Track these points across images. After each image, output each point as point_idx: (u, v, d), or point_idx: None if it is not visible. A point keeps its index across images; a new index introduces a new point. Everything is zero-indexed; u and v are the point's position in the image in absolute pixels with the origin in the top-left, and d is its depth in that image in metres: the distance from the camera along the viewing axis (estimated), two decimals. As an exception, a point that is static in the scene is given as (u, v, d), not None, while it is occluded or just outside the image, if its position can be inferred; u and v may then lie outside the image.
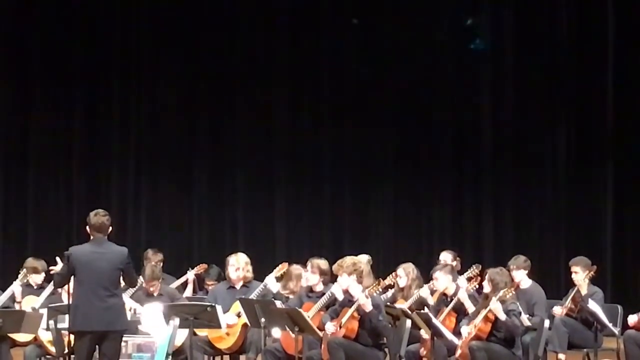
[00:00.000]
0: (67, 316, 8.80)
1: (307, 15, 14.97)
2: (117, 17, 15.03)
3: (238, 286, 10.33)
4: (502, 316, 9.07)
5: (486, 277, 9.48)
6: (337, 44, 14.97)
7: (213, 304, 9.61)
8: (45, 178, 14.87)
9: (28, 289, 10.70)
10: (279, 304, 9.62)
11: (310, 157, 15.01)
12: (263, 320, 9.29)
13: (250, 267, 10.43)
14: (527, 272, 10.47)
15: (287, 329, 9.18)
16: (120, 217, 13.93)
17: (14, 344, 10.11)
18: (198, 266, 12.22)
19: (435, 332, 9.08)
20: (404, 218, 14.81)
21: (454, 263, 11.31)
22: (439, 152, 14.87)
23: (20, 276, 10.54)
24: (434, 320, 9.09)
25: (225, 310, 9.88)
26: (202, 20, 14.97)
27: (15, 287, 10.47)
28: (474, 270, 10.60)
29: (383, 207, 14.90)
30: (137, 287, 9.88)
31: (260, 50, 15.05)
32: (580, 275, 10.33)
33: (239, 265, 10.36)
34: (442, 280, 9.83)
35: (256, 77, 14.98)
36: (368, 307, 9.13)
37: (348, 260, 9.55)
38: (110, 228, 8.55)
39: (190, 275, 12.10)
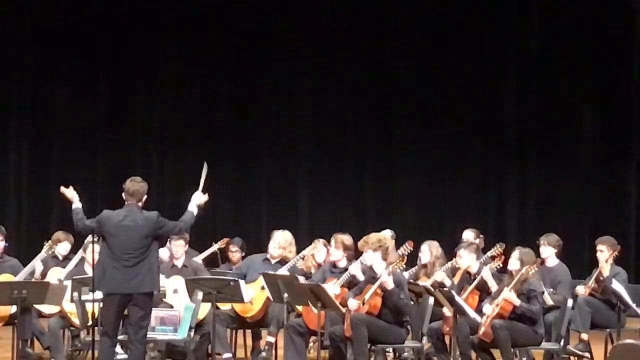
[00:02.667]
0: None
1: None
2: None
3: (274, 261, 10.31)
4: (517, 302, 9.05)
5: (513, 255, 9.43)
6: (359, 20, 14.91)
7: (236, 279, 9.62)
8: (69, 155, 14.90)
9: (54, 260, 10.75)
10: (302, 279, 9.63)
11: (334, 131, 14.99)
12: (286, 295, 9.30)
13: (293, 249, 10.43)
14: (556, 251, 10.42)
15: (310, 305, 9.20)
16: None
17: (40, 315, 10.18)
18: (221, 241, 12.28)
19: (458, 310, 9.06)
20: (427, 195, 14.79)
21: (477, 241, 11.27)
22: (464, 129, 14.82)
23: (45, 248, 10.58)
24: (456, 298, 9.07)
25: (256, 278, 9.96)
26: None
27: (37, 263, 10.49)
28: (497, 248, 10.57)
29: (407, 183, 14.87)
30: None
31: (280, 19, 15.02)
32: (605, 254, 10.28)
33: (284, 244, 10.33)
34: (466, 258, 9.80)
35: (277, 50, 14.91)
36: (390, 285, 9.12)
37: (373, 236, 9.53)
38: (145, 196, 8.61)
39: (214, 248, 12.16)
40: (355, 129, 15.09)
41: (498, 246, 10.63)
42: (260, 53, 14.99)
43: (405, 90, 14.92)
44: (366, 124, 15.04)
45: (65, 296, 9.52)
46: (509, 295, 9.07)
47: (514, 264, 9.35)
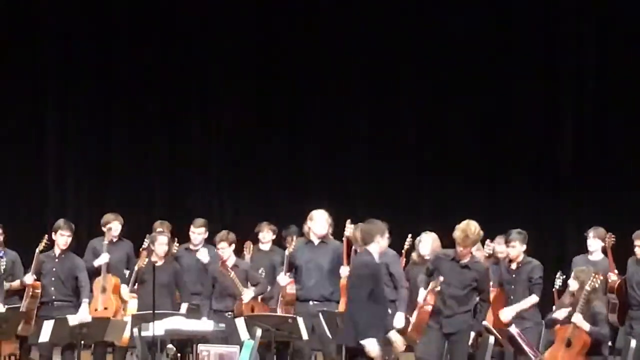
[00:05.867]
0: (151, 324, 8.96)
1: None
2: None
3: (316, 242, 10.20)
4: (587, 327, 8.96)
5: (572, 275, 9.34)
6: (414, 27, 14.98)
7: (294, 316, 9.63)
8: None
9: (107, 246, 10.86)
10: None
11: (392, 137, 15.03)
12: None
13: (331, 222, 10.23)
14: (603, 245, 10.35)
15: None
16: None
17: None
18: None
19: (518, 350, 9.03)
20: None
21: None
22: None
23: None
24: (518, 338, 9.03)
25: (306, 261, 9.97)
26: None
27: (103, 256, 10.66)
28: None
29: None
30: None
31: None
32: None
33: (323, 223, 10.13)
34: (518, 248, 10.02)
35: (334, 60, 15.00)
36: None
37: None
38: None
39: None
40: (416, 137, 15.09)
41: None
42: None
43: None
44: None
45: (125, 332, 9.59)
46: (578, 319, 8.96)
47: (573, 284, 9.25)
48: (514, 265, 10.04)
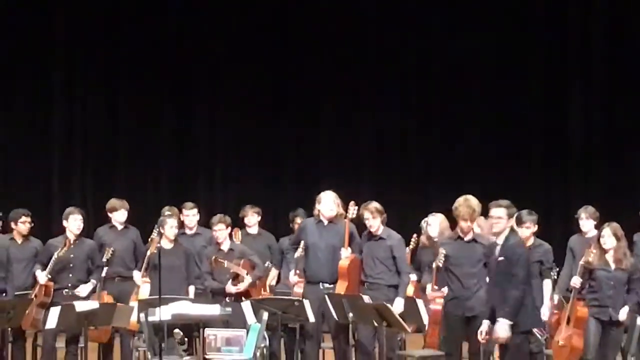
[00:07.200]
0: (157, 309, 8.97)
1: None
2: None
3: (326, 222, 10.20)
4: None
5: (605, 232, 9.44)
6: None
7: (300, 299, 9.64)
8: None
9: (113, 230, 10.75)
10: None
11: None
12: (351, 315, 9.29)
13: (340, 202, 10.23)
14: (595, 224, 10.26)
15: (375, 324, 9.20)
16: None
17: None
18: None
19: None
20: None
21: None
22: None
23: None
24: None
25: (315, 242, 10.02)
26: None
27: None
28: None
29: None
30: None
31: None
32: None
33: (331, 204, 10.15)
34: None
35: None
36: None
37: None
38: None
39: None
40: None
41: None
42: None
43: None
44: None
45: (132, 316, 9.59)
46: None
47: (609, 241, 9.24)
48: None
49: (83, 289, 10.21)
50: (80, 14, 14.85)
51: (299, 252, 10.23)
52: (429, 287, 9.64)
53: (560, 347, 9.44)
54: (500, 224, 8.33)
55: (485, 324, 8.29)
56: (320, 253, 10.04)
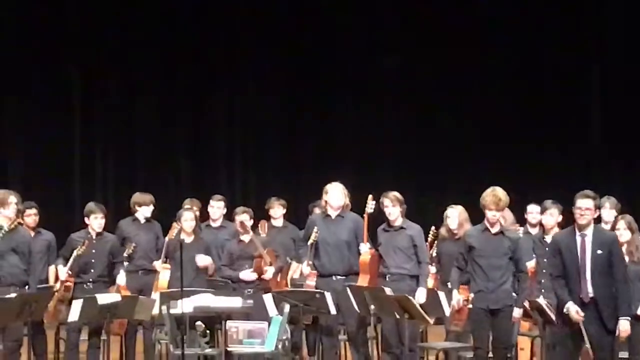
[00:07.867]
0: (179, 301, 8.99)
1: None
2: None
3: (334, 215, 10.22)
4: None
5: (619, 225, 9.27)
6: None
7: (322, 291, 9.64)
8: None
9: (135, 223, 10.75)
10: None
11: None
12: (372, 307, 9.28)
13: (347, 193, 10.26)
14: (617, 215, 10.07)
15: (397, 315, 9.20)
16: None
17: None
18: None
19: (546, 320, 9.01)
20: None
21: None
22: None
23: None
24: (546, 309, 9.00)
25: (324, 236, 10.01)
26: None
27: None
28: None
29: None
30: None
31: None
32: None
33: (339, 195, 10.18)
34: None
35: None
36: None
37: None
38: None
39: None
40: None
41: None
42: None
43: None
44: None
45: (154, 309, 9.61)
46: None
47: (624, 234, 9.15)
48: (548, 238, 9.89)
49: (120, 278, 10.25)
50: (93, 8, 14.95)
51: (312, 239, 10.15)
52: (454, 297, 9.32)
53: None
54: (587, 216, 8.29)
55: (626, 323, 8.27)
56: (329, 248, 10.06)
